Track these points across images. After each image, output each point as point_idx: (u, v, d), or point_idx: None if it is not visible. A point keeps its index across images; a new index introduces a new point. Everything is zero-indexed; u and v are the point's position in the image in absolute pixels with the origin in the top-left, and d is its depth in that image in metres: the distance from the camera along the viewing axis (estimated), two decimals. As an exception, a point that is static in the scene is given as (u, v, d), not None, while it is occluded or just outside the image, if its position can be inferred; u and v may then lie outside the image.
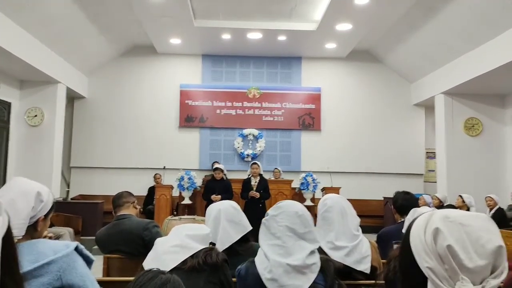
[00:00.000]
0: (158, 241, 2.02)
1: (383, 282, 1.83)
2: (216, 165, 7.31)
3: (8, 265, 0.89)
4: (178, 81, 9.98)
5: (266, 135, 10.00)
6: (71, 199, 9.32)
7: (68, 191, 9.61)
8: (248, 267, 1.82)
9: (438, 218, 0.91)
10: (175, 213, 7.54)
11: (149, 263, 1.88)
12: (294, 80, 10.20)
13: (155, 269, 1.39)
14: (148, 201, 8.68)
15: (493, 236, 0.88)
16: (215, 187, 6.86)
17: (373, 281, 2.18)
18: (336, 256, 2.16)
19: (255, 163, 7.14)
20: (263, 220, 1.85)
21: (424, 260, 0.89)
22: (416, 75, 9.68)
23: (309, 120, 10.04)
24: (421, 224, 0.93)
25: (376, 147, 9.99)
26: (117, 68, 9.97)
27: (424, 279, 0.89)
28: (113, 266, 2.87)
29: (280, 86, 10.13)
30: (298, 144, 10.05)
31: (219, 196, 6.57)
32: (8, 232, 0.89)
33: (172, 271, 1.74)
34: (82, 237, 7.32)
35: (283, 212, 1.80)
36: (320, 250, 2.09)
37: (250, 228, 2.46)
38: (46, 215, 1.65)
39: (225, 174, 7.20)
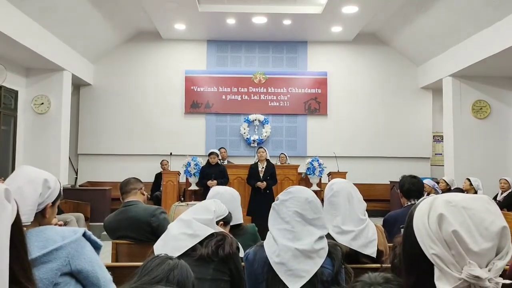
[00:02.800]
0: (170, 226, 2.03)
1: (389, 265, 1.83)
2: (211, 150, 7.28)
3: (17, 251, 0.90)
4: (183, 67, 9.95)
5: (272, 121, 9.97)
6: (79, 186, 9.41)
7: (76, 178, 9.69)
8: (257, 251, 1.84)
9: (441, 203, 0.90)
10: (182, 199, 7.59)
11: (158, 249, 1.89)
12: (300, 65, 10.12)
13: (163, 254, 1.41)
14: (155, 188, 8.74)
15: (496, 217, 0.88)
16: (211, 172, 6.85)
17: (379, 265, 2.19)
18: (343, 240, 2.17)
19: (261, 148, 7.14)
20: (273, 204, 1.86)
21: (430, 247, 0.88)
22: (424, 58, 9.56)
23: (315, 105, 9.99)
24: (423, 211, 0.92)
25: (383, 131, 9.94)
26: (122, 55, 9.94)
27: (428, 266, 0.89)
28: (121, 251, 2.90)
29: (286, 71, 10.06)
30: (304, 129, 10.02)
31: (215, 182, 6.59)
32: (17, 219, 0.91)
33: (181, 257, 1.74)
34: (91, 223, 7.42)
35: (293, 198, 1.81)
36: (327, 235, 2.11)
37: (241, 221, 2.58)
38: (53, 202, 1.66)
39: (221, 160, 7.17)
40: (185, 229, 1.92)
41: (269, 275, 1.73)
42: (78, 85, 9.66)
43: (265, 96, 9.98)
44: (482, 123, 8.50)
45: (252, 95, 9.97)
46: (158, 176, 8.76)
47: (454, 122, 8.49)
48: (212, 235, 1.93)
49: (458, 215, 0.87)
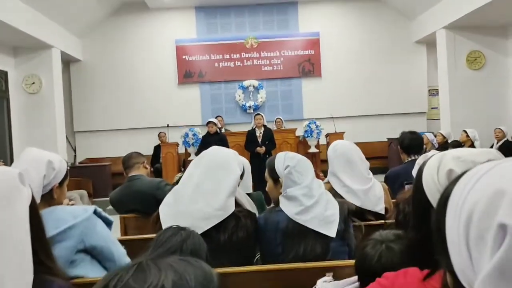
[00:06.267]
0: (182, 192, 1.83)
1: (393, 221, 1.89)
2: (209, 119, 7.26)
3: (36, 232, 0.92)
4: (173, 37, 9.76)
5: (267, 85, 9.90)
6: (79, 163, 9.43)
7: (75, 156, 9.69)
8: (267, 217, 1.87)
9: (450, 158, 0.92)
10: (182, 169, 7.64)
11: (166, 222, 1.74)
12: (291, 27, 9.95)
13: (175, 226, 1.44)
14: (155, 160, 8.77)
15: None
16: (211, 141, 6.85)
17: (383, 221, 2.25)
18: (353, 199, 2.23)
19: (258, 114, 7.13)
20: (285, 173, 1.87)
21: None
22: (416, 11, 9.39)
23: (309, 67, 9.89)
24: (433, 167, 0.94)
25: (378, 88, 9.90)
26: (110, 28, 9.72)
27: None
28: (129, 225, 2.95)
29: (277, 33, 9.89)
30: (299, 92, 9.96)
31: None
32: (33, 202, 0.92)
33: None
34: (94, 199, 7.49)
35: (300, 160, 1.89)
36: (337, 194, 2.16)
37: (250, 191, 2.55)
38: (61, 183, 1.68)
39: (219, 128, 7.16)
40: (201, 204, 1.75)
41: (285, 237, 1.77)
42: (67, 61, 9.50)
43: (258, 61, 9.86)
44: (477, 74, 8.47)
45: (245, 60, 9.85)
46: (157, 149, 8.78)
47: (449, 74, 8.45)
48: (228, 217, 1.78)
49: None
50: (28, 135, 7.99)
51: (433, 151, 2.55)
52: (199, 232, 1.64)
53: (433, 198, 0.92)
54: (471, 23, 8.08)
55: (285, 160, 1.87)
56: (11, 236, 0.82)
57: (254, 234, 1.86)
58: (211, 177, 1.79)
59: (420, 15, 9.34)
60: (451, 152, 0.93)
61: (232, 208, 1.78)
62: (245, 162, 2.43)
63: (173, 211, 1.80)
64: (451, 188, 0.54)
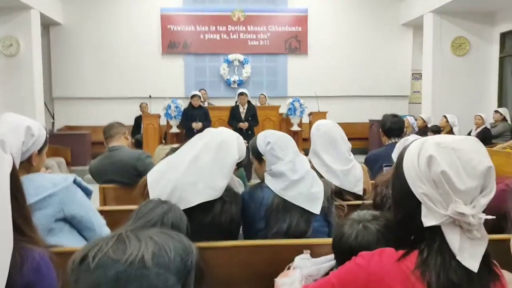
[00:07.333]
0: (176, 163, 1.77)
1: (371, 202, 1.93)
2: (194, 92, 7.22)
3: (17, 200, 0.91)
4: (158, 4, 9.51)
5: (252, 60, 9.80)
6: (57, 130, 9.25)
7: (53, 123, 9.50)
8: (252, 193, 1.89)
9: (431, 145, 0.93)
10: (163, 142, 7.59)
11: (153, 193, 1.67)
12: (279, 1, 9.79)
13: (156, 199, 1.44)
14: (136, 131, 8.66)
15: (483, 157, 0.92)
16: (195, 114, 6.83)
17: (361, 202, 2.29)
18: (332, 179, 2.25)
19: (242, 94, 7.07)
20: (267, 150, 1.88)
21: (418, 186, 0.93)
22: (405, -7, 9.36)
23: (296, 44, 9.81)
24: (413, 152, 0.96)
25: (363, 69, 9.91)
26: (92, -8, 9.40)
27: (416, 204, 0.94)
28: (109, 195, 2.94)
29: (265, 7, 9.73)
30: (284, 68, 9.91)
31: (200, 124, 6.59)
32: (14, 169, 0.91)
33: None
34: (72, 168, 7.40)
35: (280, 137, 1.92)
36: (317, 173, 2.18)
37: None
38: (40, 150, 1.65)
39: (202, 102, 7.13)
40: (194, 179, 1.70)
41: (270, 212, 1.79)
42: (47, 25, 9.18)
43: (245, 35, 9.72)
44: (461, 60, 8.54)
45: (231, 34, 9.69)
46: (138, 119, 8.66)
47: (434, 59, 8.51)
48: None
49: (447, 156, 0.91)
50: (5, 99, 7.76)
51: (413, 135, 2.59)
52: (186, 206, 1.62)
53: (412, 182, 0.94)
54: (459, 9, 8.11)
55: (265, 137, 1.91)
56: None
57: (237, 219, 1.84)
58: (210, 155, 1.75)
59: (409, -3, 9.32)
60: (433, 139, 0.95)
61: (222, 191, 1.74)
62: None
63: (164, 179, 1.74)
64: None
